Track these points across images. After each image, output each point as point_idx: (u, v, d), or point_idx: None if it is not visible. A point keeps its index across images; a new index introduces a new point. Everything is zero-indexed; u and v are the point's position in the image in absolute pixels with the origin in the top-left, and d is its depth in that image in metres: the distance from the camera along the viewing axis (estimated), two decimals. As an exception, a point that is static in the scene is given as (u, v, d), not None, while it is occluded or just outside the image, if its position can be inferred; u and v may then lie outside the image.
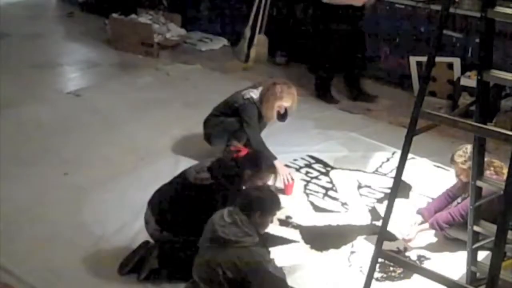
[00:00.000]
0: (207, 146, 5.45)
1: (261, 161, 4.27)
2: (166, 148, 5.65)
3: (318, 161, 5.59)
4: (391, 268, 4.19)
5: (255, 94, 5.35)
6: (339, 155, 5.70)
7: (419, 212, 4.62)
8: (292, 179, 5.09)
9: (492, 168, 4.20)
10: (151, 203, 4.21)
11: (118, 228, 4.59)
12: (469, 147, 4.13)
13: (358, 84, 6.92)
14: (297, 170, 5.42)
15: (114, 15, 8.33)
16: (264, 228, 3.77)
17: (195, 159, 5.17)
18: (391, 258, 3.70)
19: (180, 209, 4.06)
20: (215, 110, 5.47)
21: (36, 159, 5.45)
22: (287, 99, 5.28)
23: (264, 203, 3.70)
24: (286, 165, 5.30)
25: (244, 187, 4.12)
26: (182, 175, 4.19)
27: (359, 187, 5.22)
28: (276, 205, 3.78)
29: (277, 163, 4.87)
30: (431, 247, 4.47)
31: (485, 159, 4.20)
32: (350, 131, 6.14)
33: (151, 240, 4.17)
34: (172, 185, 4.21)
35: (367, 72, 7.30)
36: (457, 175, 4.45)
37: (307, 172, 5.40)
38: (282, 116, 5.42)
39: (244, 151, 4.33)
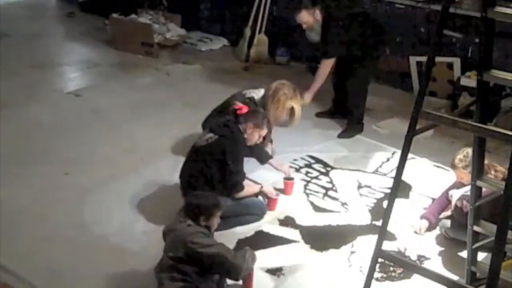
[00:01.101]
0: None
1: (259, 116, 4.73)
2: (166, 148, 5.64)
3: (318, 161, 5.59)
4: (391, 268, 4.19)
5: (256, 94, 5.32)
6: (339, 155, 5.70)
7: (423, 217, 4.61)
8: (292, 178, 5.10)
9: (493, 172, 4.17)
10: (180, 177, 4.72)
11: (118, 228, 4.59)
12: (469, 151, 4.05)
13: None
14: (297, 170, 5.42)
15: (114, 15, 8.31)
16: (212, 229, 3.93)
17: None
18: (391, 258, 3.71)
19: (198, 172, 4.55)
20: (214, 111, 5.44)
21: (36, 159, 5.45)
22: (297, 101, 5.25)
23: (204, 208, 3.85)
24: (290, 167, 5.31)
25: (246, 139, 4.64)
26: (192, 148, 4.73)
27: (359, 187, 5.22)
28: (216, 207, 3.92)
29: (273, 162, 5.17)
30: (431, 247, 4.47)
31: (489, 163, 4.20)
32: (350, 131, 6.13)
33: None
34: (188, 157, 4.73)
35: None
36: (459, 179, 4.45)
37: (307, 172, 5.40)
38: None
39: (245, 109, 4.77)
